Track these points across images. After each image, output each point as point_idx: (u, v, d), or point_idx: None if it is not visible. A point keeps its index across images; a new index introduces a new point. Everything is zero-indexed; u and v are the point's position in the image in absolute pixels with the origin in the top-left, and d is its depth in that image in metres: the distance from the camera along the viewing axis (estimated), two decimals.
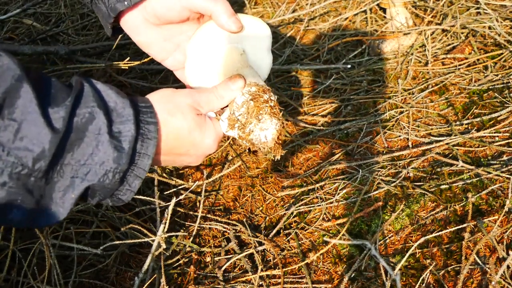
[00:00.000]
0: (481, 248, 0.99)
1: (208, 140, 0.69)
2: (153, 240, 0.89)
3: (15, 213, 0.55)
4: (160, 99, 0.65)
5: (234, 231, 1.18)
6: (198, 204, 1.25)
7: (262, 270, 1.06)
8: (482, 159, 1.19)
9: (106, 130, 0.56)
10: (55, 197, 0.56)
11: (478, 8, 1.66)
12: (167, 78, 1.65)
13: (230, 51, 0.77)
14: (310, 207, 1.20)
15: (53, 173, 0.55)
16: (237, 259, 1.11)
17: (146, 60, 1.37)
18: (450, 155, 1.22)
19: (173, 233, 1.03)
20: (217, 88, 0.70)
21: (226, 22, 0.71)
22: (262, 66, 0.82)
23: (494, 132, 1.24)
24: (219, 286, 1.05)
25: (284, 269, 1.07)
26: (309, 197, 1.23)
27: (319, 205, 1.20)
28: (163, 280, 0.91)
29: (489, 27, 1.58)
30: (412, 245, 1.00)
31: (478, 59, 1.51)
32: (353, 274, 1.02)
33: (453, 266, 0.98)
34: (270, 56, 0.83)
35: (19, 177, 0.52)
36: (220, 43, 0.76)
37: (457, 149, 1.22)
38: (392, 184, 1.18)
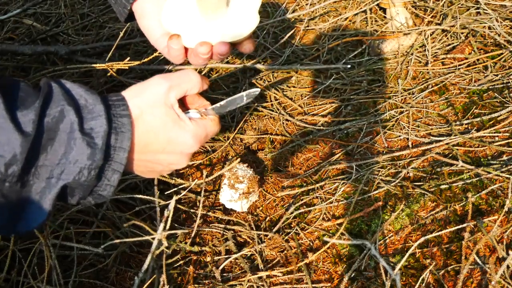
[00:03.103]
0: (481, 248, 0.99)
1: (184, 136, 0.66)
2: (153, 239, 0.89)
3: None
4: (132, 94, 0.64)
5: (234, 231, 1.18)
6: (198, 203, 1.25)
7: (262, 270, 1.06)
8: (482, 159, 1.19)
9: (77, 128, 0.55)
10: (32, 200, 0.56)
11: (478, 8, 1.66)
12: None
13: None
14: (310, 207, 1.21)
15: (28, 176, 0.54)
16: (236, 259, 1.11)
17: (146, 60, 1.37)
18: (450, 155, 1.22)
19: (173, 231, 1.03)
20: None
21: None
22: (244, 24, 0.75)
23: (494, 132, 1.24)
24: (218, 286, 1.05)
25: (284, 269, 1.07)
26: (309, 197, 1.23)
27: (319, 205, 1.20)
28: (164, 279, 0.91)
29: (489, 27, 1.58)
30: (412, 245, 1.00)
31: (478, 59, 1.51)
32: (353, 274, 1.02)
33: (453, 266, 0.99)
34: (256, 17, 0.75)
35: None
36: None
37: (457, 149, 1.22)
38: (392, 184, 1.18)
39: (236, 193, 1.19)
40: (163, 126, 0.64)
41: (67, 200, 0.61)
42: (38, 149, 0.54)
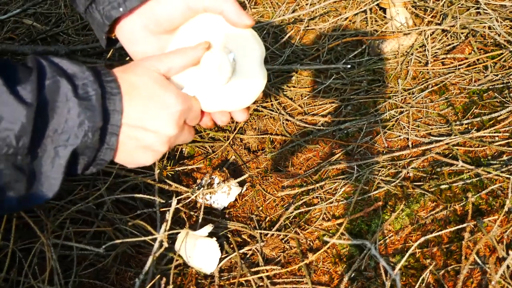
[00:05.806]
0: (481, 248, 0.99)
1: (166, 92, 0.65)
2: (154, 240, 0.89)
3: (11, 197, 0.56)
4: (117, 68, 0.67)
5: (234, 230, 1.18)
6: (198, 204, 1.26)
7: (262, 270, 1.06)
8: (482, 159, 1.20)
9: (72, 94, 0.57)
10: (44, 171, 0.58)
11: (478, 8, 1.66)
12: None
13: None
14: (310, 207, 1.21)
15: (36, 149, 0.56)
16: (236, 259, 1.11)
17: None
18: (450, 155, 1.22)
19: (174, 231, 1.03)
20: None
21: (238, 17, 0.68)
22: (252, 84, 0.73)
23: (494, 132, 1.24)
24: (218, 286, 1.05)
25: (284, 269, 1.07)
26: (309, 197, 1.23)
27: (319, 205, 1.20)
28: (165, 281, 0.91)
29: (489, 27, 1.58)
30: (412, 245, 1.00)
31: (478, 59, 1.51)
32: (353, 274, 1.02)
33: (453, 266, 0.99)
34: (264, 73, 0.72)
35: (8, 158, 0.53)
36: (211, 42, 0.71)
37: (457, 149, 1.22)
38: (392, 184, 1.18)
39: (217, 193, 1.24)
40: (144, 85, 0.65)
41: (76, 170, 0.62)
42: (42, 119, 0.56)
